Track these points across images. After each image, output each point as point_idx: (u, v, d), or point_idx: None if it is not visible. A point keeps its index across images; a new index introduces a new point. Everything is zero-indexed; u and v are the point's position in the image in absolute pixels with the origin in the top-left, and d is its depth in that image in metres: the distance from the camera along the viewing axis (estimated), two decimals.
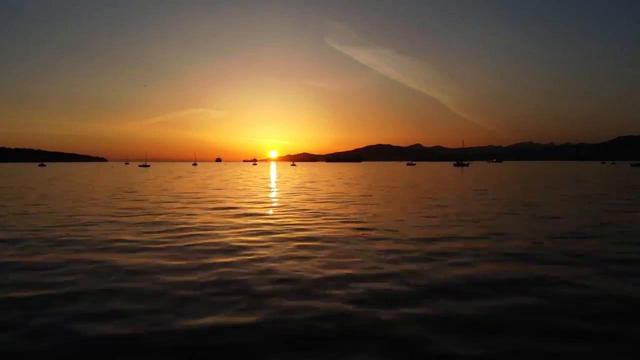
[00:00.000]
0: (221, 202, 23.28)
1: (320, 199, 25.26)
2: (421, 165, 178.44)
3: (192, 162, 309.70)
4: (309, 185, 39.87)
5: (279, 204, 22.22)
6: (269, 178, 57.93)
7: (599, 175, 62.42)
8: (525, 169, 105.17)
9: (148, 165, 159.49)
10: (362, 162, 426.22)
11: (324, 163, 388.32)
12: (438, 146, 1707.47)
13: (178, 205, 21.54)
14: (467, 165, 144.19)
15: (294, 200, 24.65)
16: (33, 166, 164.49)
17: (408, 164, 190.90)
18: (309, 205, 21.28)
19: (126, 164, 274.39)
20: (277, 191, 32.29)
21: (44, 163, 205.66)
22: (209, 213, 18.18)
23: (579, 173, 71.62)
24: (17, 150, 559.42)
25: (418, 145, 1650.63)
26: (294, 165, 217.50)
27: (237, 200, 24.16)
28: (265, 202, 23.30)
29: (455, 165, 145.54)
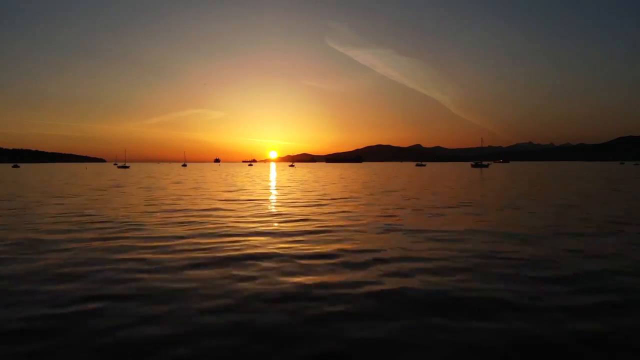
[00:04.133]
0: None
1: None
2: (432, 167, 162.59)
3: (182, 163, 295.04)
4: (326, 209, 19.78)
5: None
6: (251, 190, 41.60)
7: None
8: (553, 171, 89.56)
9: (127, 167, 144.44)
10: (363, 163, 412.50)
11: (324, 164, 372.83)
12: (438, 147, 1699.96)
13: None
14: (487, 166, 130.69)
15: None
16: (7, 167, 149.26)
17: (417, 165, 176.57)
18: None
19: (115, 164, 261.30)
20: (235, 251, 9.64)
21: (18, 164, 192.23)
22: None
23: (623, 174, 56.32)
24: (14, 150, 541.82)
25: (418, 146, 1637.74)
26: (292, 166, 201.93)
27: None
28: None
29: (473, 166, 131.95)
